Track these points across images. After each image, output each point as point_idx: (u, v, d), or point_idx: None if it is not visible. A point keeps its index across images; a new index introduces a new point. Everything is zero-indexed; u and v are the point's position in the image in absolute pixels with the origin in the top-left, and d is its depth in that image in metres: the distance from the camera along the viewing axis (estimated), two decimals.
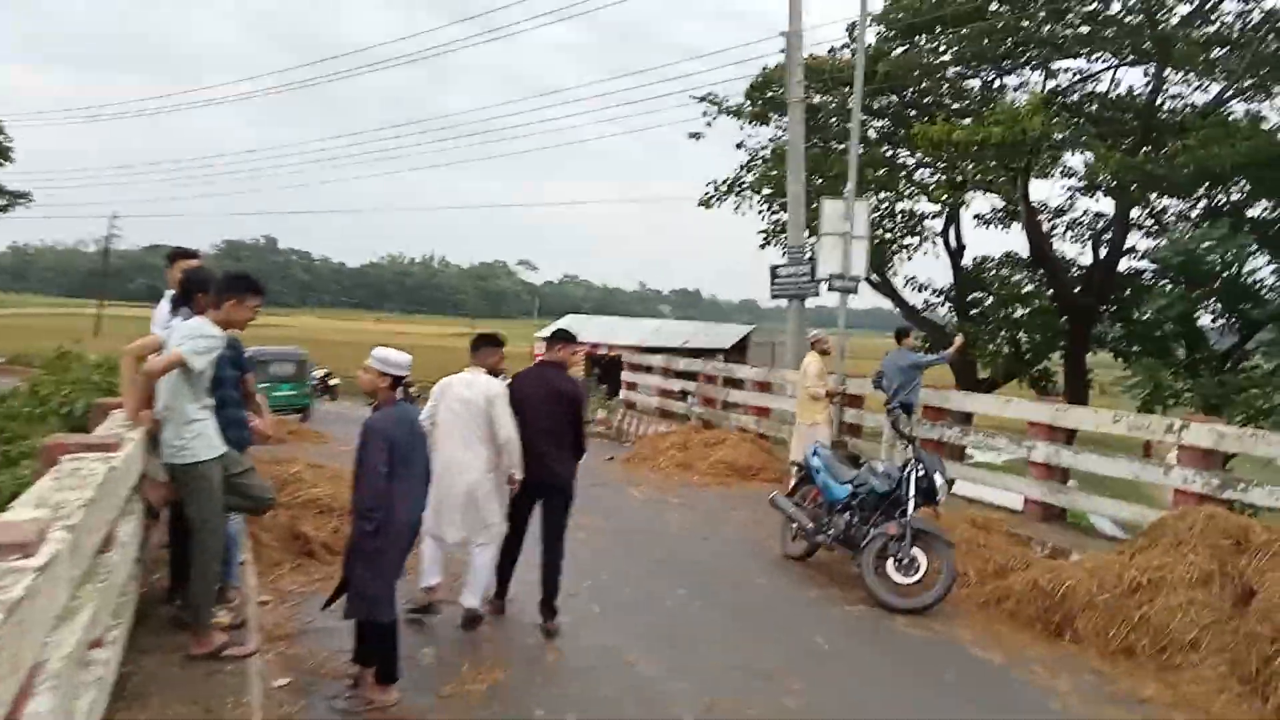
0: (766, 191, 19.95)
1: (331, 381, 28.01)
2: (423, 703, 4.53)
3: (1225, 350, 16.24)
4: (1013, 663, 5.51)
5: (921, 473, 6.77)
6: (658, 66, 70.08)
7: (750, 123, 20.05)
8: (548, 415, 5.68)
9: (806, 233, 14.22)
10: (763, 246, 21.12)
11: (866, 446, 10.87)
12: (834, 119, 18.86)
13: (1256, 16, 15.92)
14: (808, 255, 13.35)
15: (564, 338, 6.15)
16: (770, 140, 20.15)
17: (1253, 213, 16.37)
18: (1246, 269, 14.86)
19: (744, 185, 20.88)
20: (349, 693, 4.46)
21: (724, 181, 21.06)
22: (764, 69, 19.19)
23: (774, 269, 13.66)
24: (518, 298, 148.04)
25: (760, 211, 20.76)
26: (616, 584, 6.71)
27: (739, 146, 21.09)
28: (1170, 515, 6.47)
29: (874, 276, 19.63)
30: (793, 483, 8.13)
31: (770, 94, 18.73)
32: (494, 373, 5.83)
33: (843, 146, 14.19)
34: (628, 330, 29.40)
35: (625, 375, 17.19)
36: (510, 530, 5.78)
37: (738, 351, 26.24)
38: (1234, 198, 16.49)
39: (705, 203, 21.48)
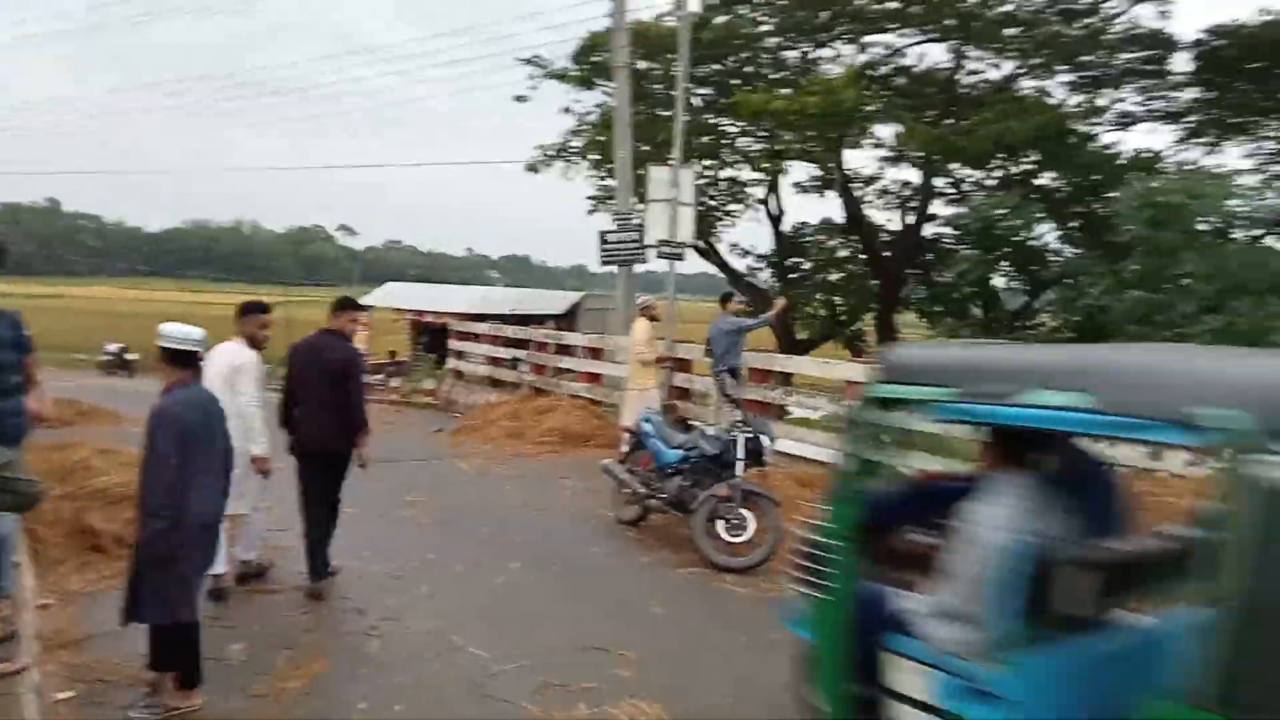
0: (594, 157, 19.84)
1: (128, 356, 25.79)
2: (233, 705, 4.18)
3: (1016, 309, 17.62)
4: None
5: (749, 435, 6.90)
6: (483, 25, 68.26)
7: (576, 87, 19.83)
8: (320, 384, 5.58)
9: (635, 199, 14.21)
10: (591, 212, 21.07)
11: (696, 410, 11.03)
12: (660, 85, 18.91)
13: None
14: (636, 221, 13.34)
15: (347, 305, 5.98)
16: (597, 106, 20.02)
17: (1040, 182, 17.75)
18: (1035, 234, 16.16)
19: (572, 150, 20.70)
20: (145, 701, 4.04)
21: (552, 146, 20.80)
22: (590, 33, 19.01)
23: (603, 235, 13.56)
24: (337, 264, 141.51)
25: (588, 177, 20.68)
26: (446, 562, 6.48)
27: (566, 111, 20.86)
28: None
29: (700, 243, 19.98)
30: (625, 449, 8.12)
31: (596, 59, 18.56)
32: (256, 341, 5.61)
33: (668, 113, 14.25)
34: (455, 297, 28.67)
35: (453, 343, 16.70)
36: (307, 503, 5.75)
37: (569, 318, 26.13)
38: (1025, 168, 17.80)
39: (532, 167, 21.17)
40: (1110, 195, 14.92)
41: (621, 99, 13.85)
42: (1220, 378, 2.41)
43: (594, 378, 13.16)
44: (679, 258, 11.33)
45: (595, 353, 13.49)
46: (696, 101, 19.75)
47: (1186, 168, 16.22)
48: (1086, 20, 17.06)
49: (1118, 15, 17.00)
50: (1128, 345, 4.58)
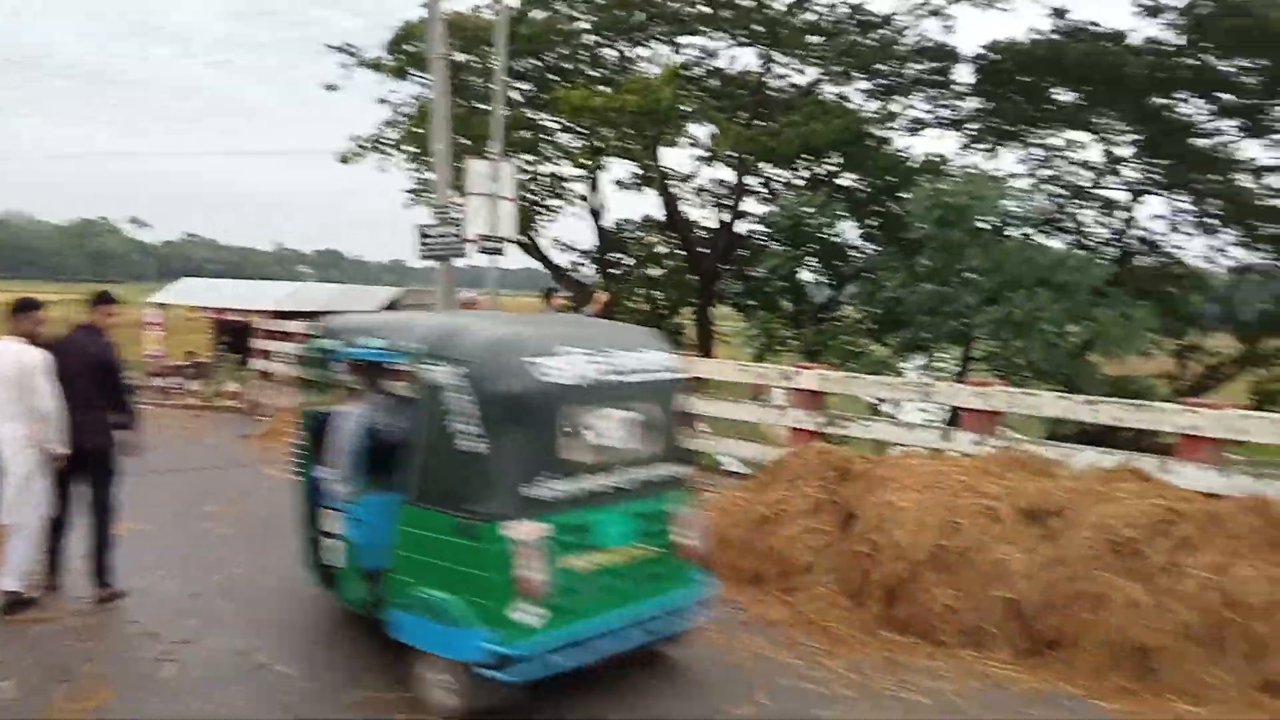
0: (411, 149, 19.26)
1: None
2: None
3: (823, 303, 18.57)
4: None
5: None
6: (285, 10, 64.61)
7: (391, 77, 19.18)
8: (81, 382, 5.39)
9: (454, 192, 13.91)
10: (409, 206, 20.44)
11: None
12: (478, 78, 18.58)
13: (843, 10, 18.12)
14: (455, 216, 13.06)
15: (103, 299, 5.78)
16: (414, 97, 19.45)
17: (843, 182, 18.76)
18: (838, 231, 17.08)
19: (387, 142, 20.02)
20: None
21: (366, 138, 20.04)
22: (405, 22, 18.40)
23: (422, 229, 13.15)
24: (128, 258, 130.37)
25: (405, 169, 20.05)
26: (251, 577, 6.09)
27: (382, 102, 20.14)
28: (789, 453, 7.19)
29: (522, 238, 19.81)
30: None
31: (410, 48, 18.00)
32: (34, 339, 5.34)
33: (488, 107, 14.03)
34: (263, 293, 27.05)
35: (258, 343, 15.73)
36: (73, 510, 5.56)
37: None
38: (829, 169, 18.76)
39: (345, 159, 20.30)
40: (904, 196, 15.97)
41: (439, 91, 13.46)
42: (419, 327, 4.70)
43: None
44: (500, 253, 11.19)
45: None
46: (516, 96, 19.55)
47: (969, 171, 17.61)
48: (880, 31, 18.17)
49: (907, 28, 18.22)
50: (424, 314, 6.58)
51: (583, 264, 21.89)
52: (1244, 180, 17.35)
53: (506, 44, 12.27)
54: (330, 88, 20.18)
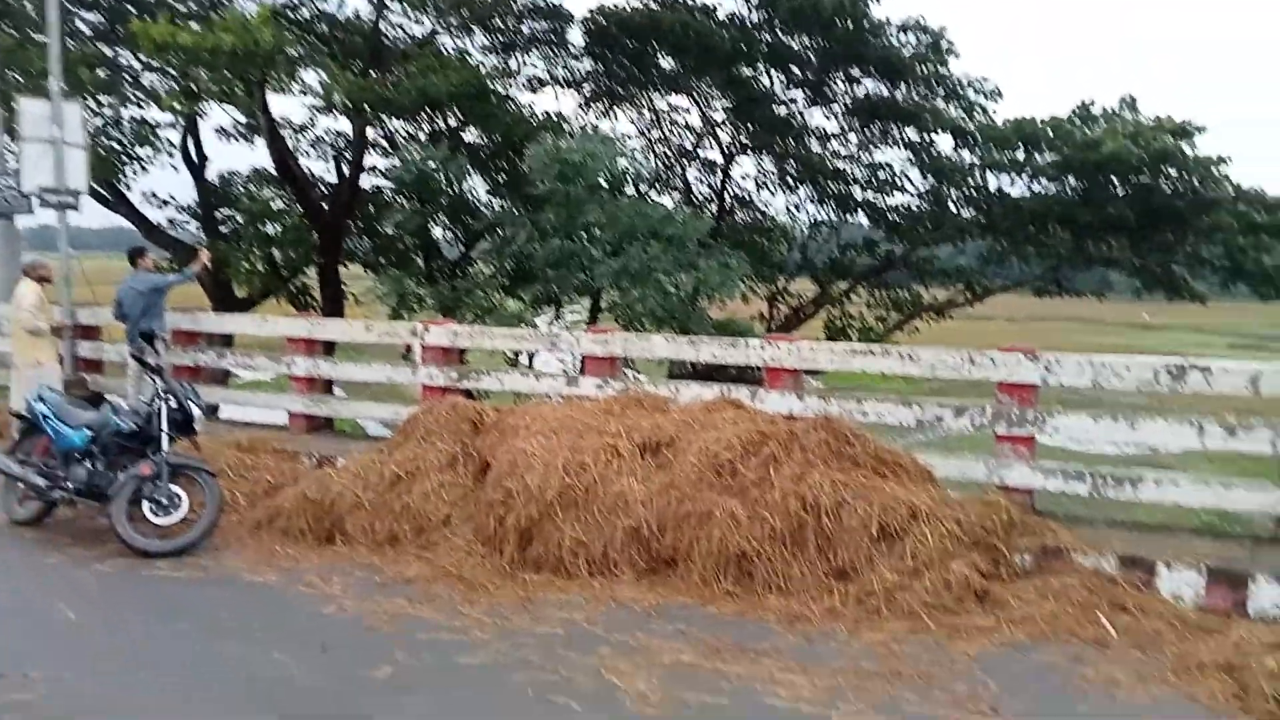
0: None
1: None
2: None
3: (455, 260, 18.47)
4: (288, 580, 5.50)
5: (174, 404, 6.23)
6: None
7: None
8: None
9: (4, 136, 11.75)
10: None
11: (113, 383, 9.66)
12: (30, 3, 15.74)
13: None
14: (11, 165, 11.07)
15: None
16: None
17: (468, 138, 18.67)
18: (466, 187, 17.02)
19: None
20: None
21: None
22: None
23: None
24: None
25: None
26: None
27: None
28: (420, 410, 7.11)
29: (103, 191, 17.35)
30: (16, 436, 6.78)
31: None
32: None
33: (44, 38, 11.92)
34: None
35: None
36: None
37: None
38: (452, 124, 18.54)
39: None
40: (527, 152, 16.27)
41: None
42: None
43: None
44: (72, 207, 9.71)
45: None
46: (84, 28, 16.91)
47: (587, 129, 18.38)
48: None
49: None
50: None
51: (184, 220, 19.71)
52: (814, 145, 20.04)
53: None
54: None
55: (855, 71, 18.46)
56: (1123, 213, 16.15)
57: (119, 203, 18.34)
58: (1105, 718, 4.03)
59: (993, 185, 18.41)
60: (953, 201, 19.17)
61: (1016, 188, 17.97)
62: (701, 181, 21.53)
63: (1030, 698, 4.16)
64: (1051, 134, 16.63)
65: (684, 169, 21.37)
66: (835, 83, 18.93)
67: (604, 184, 14.29)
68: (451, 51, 18.42)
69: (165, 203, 19.50)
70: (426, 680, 4.26)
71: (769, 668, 4.41)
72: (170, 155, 18.56)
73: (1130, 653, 4.60)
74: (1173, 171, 15.65)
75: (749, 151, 20.77)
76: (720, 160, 20.98)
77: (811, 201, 20.69)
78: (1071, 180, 16.88)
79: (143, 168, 18.03)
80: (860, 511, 5.46)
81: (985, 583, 5.20)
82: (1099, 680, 4.33)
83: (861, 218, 20.53)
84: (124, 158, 17.54)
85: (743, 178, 21.52)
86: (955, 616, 4.96)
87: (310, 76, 17.07)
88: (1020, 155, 17.45)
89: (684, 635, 4.78)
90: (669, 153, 21.28)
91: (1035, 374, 6.26)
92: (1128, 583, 5.22)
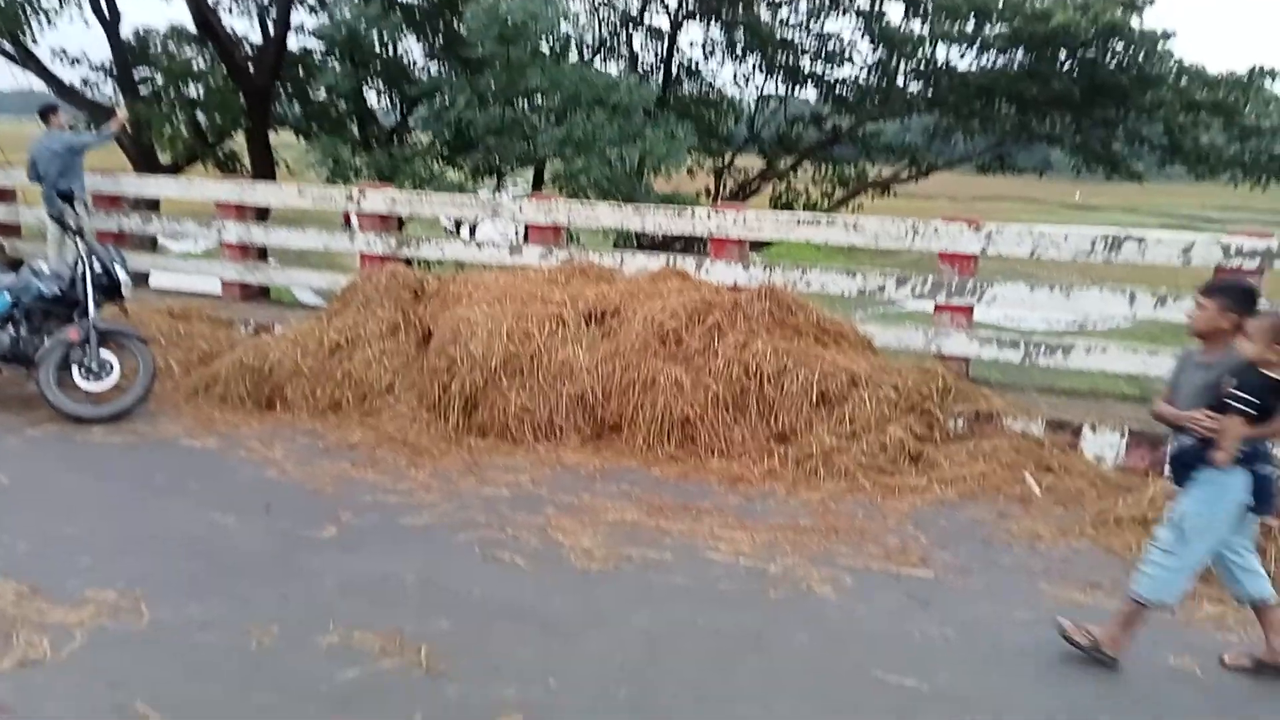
0: None
1: None
2: None
3: (392, 127, 17.74)
4: (227, 445, 5.45)
5: (99, 268, 5.97)
6: None
7: None
8: None
9: None
10: None
11: (31, 248, 9.24)
12: None
13: None
14: None
15: None
16: None
17: None
18: (401, 49, 16.20)
19: None
20: None
21: None
22: None
23: None
24: None
25: None
26: None
27: None
28: (359, 277, 6.94)
29: (8, 47, 16.14)
30: None
31: None
32: None
33: None
34: None
35: None
36: None
37: None
38: None
39: None
40: (465, 12, 15.46)
41: None
42: None
43: None
44: None
45: None
46: None
47: None
48: None
49: None
50: None
51: (99, 81, 18.50)
52: (764, 14, 19.40)
53: None
54: None
55: None
56: (1068, 88, 16.06)
57: (27, 59, 17.10)
58: (1027, 568, 4.26)
59: (941, 58, 18.13)
60: (901, 75, 18.88)
61: (965, 60, 17.72)
62: (647, 49, 20.82)
63: (958, 550, 4.37)
64: (1002, 5, 16.30)
65: (629, 35, 20.59)
66: None
67: (546, 48, 13.71)
68: None
69: (76, 61, 18.23)
70: (373, 540, 4.30)
71: (709, 525, 4.54)
72: (79, 7, 17.24)
73: (1053, 509, 4.84)
74: (1119, 46, 15.54)
75: (696, 18, 20.06)
76: (667, 27, 20.26)
77: (759, 71, 20.22)
78: (1020, 54, 16.68)
79: (49, 19, 16.74)
80: (801, 378, 5.56)
81: (919, 445, 5.38)
82: (1022, 534, 4.56)
83: (810, 92, 20.15)
84: (26, 7, 16.25)
85: (690, 45, 20.88)
86: (889, 477, 5.14)
87: None
88: (970, 26, 17.13)
89: (628, 496, 4.88)
90: (614, 19, 20.44)
91: (976, 244, 6.32)
92: (1054, 445, 5.45)
